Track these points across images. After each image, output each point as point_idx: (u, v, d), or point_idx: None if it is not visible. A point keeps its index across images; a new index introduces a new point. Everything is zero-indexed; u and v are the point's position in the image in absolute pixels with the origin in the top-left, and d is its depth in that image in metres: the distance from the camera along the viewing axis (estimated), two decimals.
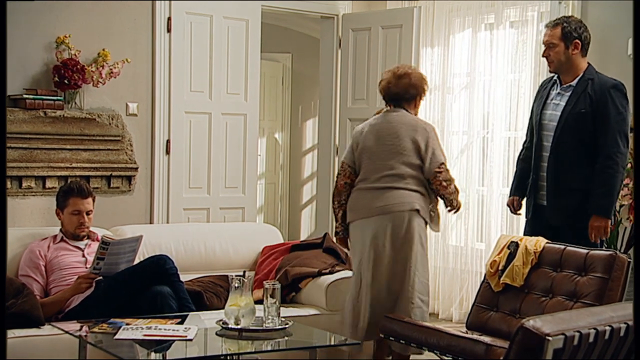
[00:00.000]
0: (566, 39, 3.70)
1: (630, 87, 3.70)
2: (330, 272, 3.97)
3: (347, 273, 3.99)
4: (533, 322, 1.79)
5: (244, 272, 3.18)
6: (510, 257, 3.50)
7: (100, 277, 3.57)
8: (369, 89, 5.75)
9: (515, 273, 3.44)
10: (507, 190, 5.33)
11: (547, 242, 3.48)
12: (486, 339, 3.05)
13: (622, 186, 3.72)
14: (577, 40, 3.70)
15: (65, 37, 4.70)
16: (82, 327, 3.21)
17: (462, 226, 5.60)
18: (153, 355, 2.91)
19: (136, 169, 5.02)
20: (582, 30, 3.73)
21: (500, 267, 3.53)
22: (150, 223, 5.11)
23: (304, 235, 8.04)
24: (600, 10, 4.83)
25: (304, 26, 7.46)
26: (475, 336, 3.11)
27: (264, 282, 3.17)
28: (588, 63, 3.79)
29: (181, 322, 3.24)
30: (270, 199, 8.18)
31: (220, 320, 3.13)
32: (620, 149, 3.60)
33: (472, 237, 5.56)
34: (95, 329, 3.08)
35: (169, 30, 5.11)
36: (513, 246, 3.52)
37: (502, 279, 3.50)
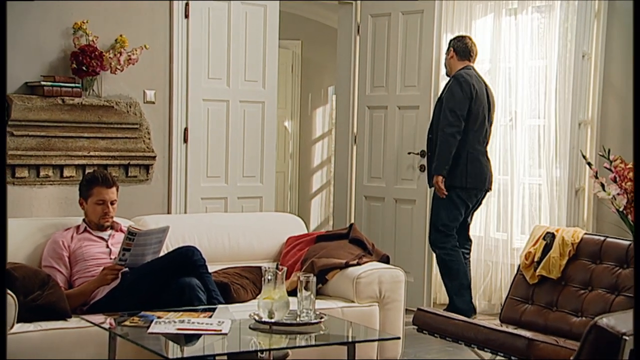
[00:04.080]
0: (447, 49, 5.08)
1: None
2: (358, 264, 3.88)
3: (375, 265, 3.91)
4: (607, 321, 1.71)
5: (277, 264, 3.09)
6: (547, 248, 3.42)
7: (126, 269, 3.49)
8: (389, 76, 5.64)
9: (552, 265, 3.37)
10: (530, 180, 5.29)
11: (585, 233, 3.40)
12: (527, 333, 2.97)
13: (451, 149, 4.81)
14: (451, 48, 5.04)
15: (83, 22, 4.60)
16: (107, 319, 3.14)
17: (484, 216, 5.51)
18: (189, 349, 2.83)
19: (154, 157, 4.93)
20: (457, 41, 5.04)
21: (535, 259, 3.45)
22: (168, 213, 5.03)
23: (313, 225, 7.97)
24: (628, 2, 4.73)
25: (314, 13, 7.36)
26: (515, 330, 3.03)
27: (299, 275, 3.09)
28: (467, 66, 4.96)
29: (210, 315, 3.16)
30: (279, 187, 8.08)
31: (254, 313, 3.06)
32: (448, 122, 4.81)
33: (494, 226, 5.48)
34: (127, 323, 3.00)
35: (186, 16, 5.01)
36: (549, 237, 3.44)
37: (537, 270, 3.42)
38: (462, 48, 4.97)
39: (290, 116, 8.15)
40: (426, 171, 5.15)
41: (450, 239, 4.97)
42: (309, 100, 8.20)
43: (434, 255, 5.27)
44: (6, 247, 2.74)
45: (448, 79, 5.05)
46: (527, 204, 5.30)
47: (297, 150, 8.21)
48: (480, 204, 5.10)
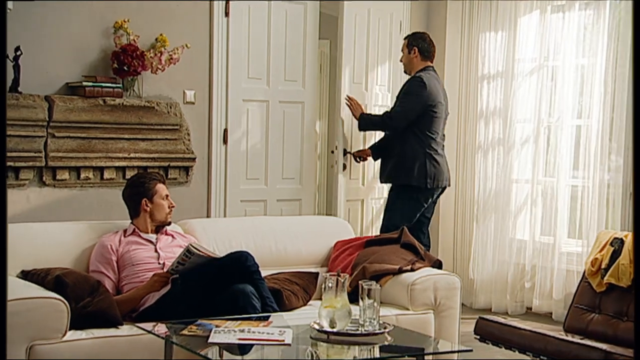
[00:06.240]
0: (409, 47, 4.96)
1: None
2: (412, 269, 3.75)
3: (429, 270, 3.78)
4: None
5: (339, 271, 2.97)
6: (615, 254, 3.28)
7: (176, 275, 3.39)
8: None
9: (621, 272, 3.23)
10: (575, 182, 5.14)
11: None
12: (603, 345, 2.84)
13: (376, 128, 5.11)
14: (415, 47, 4.93)
15: (124, 22, 4.51)
16: (157, 326, 3.03)
17: (528, 219, 5.37)
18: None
19: (194, 159, 4.83)
20: (422, 41, 4.95)
21: (603, 266, 3.31)
22: (207, 216, 4.93)
23: None
24: None
25: None
26: (589, 341, 2.90)
27: (360, 282, 2.97)
28: (428, 66, 4.92)
29: (268, 324, 3.05)
30: None
31: (314, 322, 2.94)
32: (393, 112, 4.88)
33: (538, 230, 5.33)
34: (185, 332, 2.89)
35: (227, 15, 4.91)
36: (617, 243, 3.30)
37: (605, 278, 3.28)
38: (426, 49, 4.93)
39: (319, 116, 8.02)
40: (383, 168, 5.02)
41: None
42: (336, 101, 8.06)
43: (472, 256, 5.13)
44: (6, 248, 2.68)
45: (407, 77, 4.97)
46: (574, 206, 5.15)
47: (325, 151, 8.08)
48: (437, 201, 5.06)
